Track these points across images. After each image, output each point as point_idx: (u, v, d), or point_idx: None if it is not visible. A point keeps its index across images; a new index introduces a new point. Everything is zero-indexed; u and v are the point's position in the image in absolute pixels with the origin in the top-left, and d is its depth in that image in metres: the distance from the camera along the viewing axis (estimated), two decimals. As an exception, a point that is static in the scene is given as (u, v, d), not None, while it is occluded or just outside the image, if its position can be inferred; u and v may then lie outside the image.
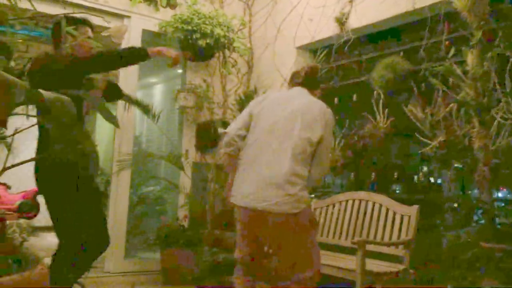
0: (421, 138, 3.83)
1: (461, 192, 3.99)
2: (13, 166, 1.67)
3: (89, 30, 3.02)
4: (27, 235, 5.48)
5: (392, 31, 4.50)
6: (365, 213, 4.19)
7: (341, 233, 4.33)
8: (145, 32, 5.37)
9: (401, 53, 4.22)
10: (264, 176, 2.39)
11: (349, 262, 3.77)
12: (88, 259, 2.85)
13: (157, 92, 7.31)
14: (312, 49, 5.28)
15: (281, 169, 2.39)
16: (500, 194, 4.18)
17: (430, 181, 4.45)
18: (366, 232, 4.10)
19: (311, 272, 2.48)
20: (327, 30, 4.88)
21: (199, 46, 5.09)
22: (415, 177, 4.55)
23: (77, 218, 2.87)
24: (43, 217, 8.78)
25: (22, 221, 5.73)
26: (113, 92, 3.15)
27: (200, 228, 4.95)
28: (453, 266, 2.71)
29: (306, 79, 2.84)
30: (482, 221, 3.72)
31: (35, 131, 2.59)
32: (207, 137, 5.31)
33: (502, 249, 2.69)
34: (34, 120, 1.78)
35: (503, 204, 4.07)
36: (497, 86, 3.22)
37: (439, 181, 4.55)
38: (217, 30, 5.10)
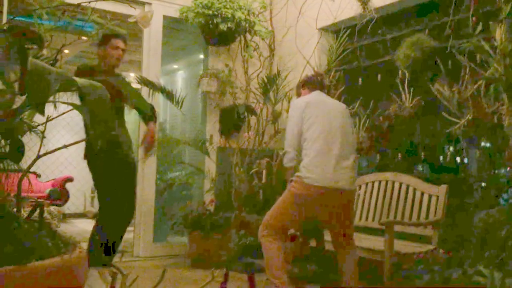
0: (448, 117, 3.77)
1: (490, 172, 3.92)
2: (45, 154, 1.71)
3: (121, 42, 3.71)
4: (58, 221, 5.62)
5: (417, 9, 4.40)
6: (392, 194, 4.17)
7: (368, 215, 4.32)
8: (166, 18, 5.38)
9: (427, 31, 4.13)
10: (344, 163, 3.13)
11: (377, 243, 3.77)
12: (118, 232, 3.64)
13: (179, 79, 7.34)
14: (334, 30, 5.22)
15: (349, 158, 3.18)
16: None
17: (457, 161, 4.39)
18: (393, 213, 4.08)
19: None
20: (349, 10, 4.80)
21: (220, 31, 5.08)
22: (441, 157, 4.49)
23: (112, 196, 3.64)
24: (72, 204, 9.00)
25: (53, 208, 5.87)
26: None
27: (226, 212, 4.99)
28: (485, 246, 2.68)
29: (321, 85, 3.52)
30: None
31: (62, 120, 2.68)
32: (231, 122, 5.32)
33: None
34: (64, 107, 1.81)
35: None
36: (528, 61, 3.13)
37: (466, 160, 4.49)
38: (238, 14, 5.08)
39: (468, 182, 4.02)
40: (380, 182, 4.32)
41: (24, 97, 1.29)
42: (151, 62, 5.29)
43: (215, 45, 5.48)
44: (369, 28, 4.72)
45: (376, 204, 4.27)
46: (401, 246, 3.65)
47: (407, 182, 4.10)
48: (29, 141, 1.93)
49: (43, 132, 1.56)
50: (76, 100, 1.63)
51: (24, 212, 1.59)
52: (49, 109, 1.84)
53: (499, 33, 3.34)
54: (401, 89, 4.22)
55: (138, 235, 5.25)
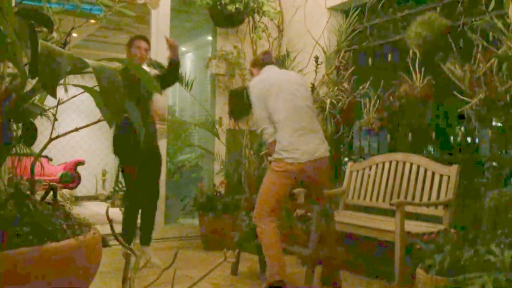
0: (460, 97, 3.73)
1: (502, 151, 3.89)
2: (57, 137, 1.72)
3: (142, 42, 4.08)
4: (71, 204, 5.68)
5: (428, -14, 4.33)
6: (402, 174, 4.16)
7: (378, 195, 4.31)
8: (174, 0, 5.34)
9: (438, 9, 4.07)
10: (314, 134, 3.37)
11: (388, 223, 3.77)
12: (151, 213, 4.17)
13: (188, 61, 7.32)
14: (344, 9, 5.16)
15: (317, 128, 3.44)
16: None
17: (467, 141, 4.35)
18: (404, 194, 4.07)
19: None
20: (359, -12, 4.74)
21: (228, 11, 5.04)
22: (451, 137, 4.45)
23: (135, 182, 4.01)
24: (84, 187, 9.09)
25: (65, 191, 5.94)
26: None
27: (237, 194, 5.01)
28: (497, 225, 2.67)
29: (270, 59, 3.68)
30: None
31: (73, 103, 2.69)
32: (240, 104, 5.31)
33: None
34: (75, 91, 1.81)
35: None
36: (542, 39, 3.08)
37: (477, 140, 4.45)
38: (246, -6, 5.03)
39: (479, 162, 3.99)
40: (390, 162, 4.30)
41: (35, 80, 1.30)
42: (159, 45, 5.27)
43: (223, 27, 5.44)
44: (379, 7, 4.66)
45: (386, 185, 4.26)
46: (412, 226, 3.65)
47: (418, 162, 4.08)
48: (40, 125, 1.94)
49: (54, 115, 1.57)
50: (87, 83, 1.63)
51: (37, 195, 1.61)
52: (59, 92, 1.85)
53: (512, 9, 3.28)
54: (411, 69, 4.17)
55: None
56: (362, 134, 5.03)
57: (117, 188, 6.10)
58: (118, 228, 4.20)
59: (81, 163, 8.43)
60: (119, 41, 8.25)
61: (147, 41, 4.17)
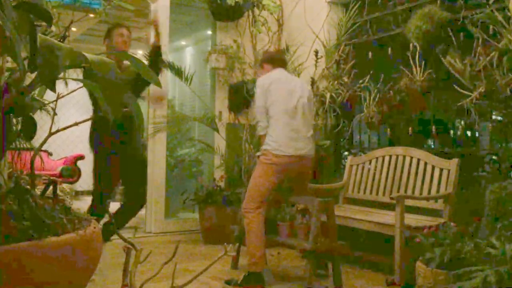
0: (460, 90, 3.73)
1: (502, 145, 3.89)
2: (57, 131, 1.72)
3: (124, 29, 3.88)
4: (71, 198, 5.68)
5: (428, -21, 4.31)
6: (402, 168, 4.16)
7: (378, 189, 4.32)
8: (173, -7, 5.33)
9: (438, 2, 4.05)
10: (303, 136, 3.64)
11: (388, 217, 3.78)
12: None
13: (188, 55, 7.30)
14: (344, 2, 5.14)
15: (309, 130, 3.71)
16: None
17: (467, 134, 4.34)
18: (404, 187, 4.08)
19: None
20: (359, -19, 4.72)
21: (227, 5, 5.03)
22: (451, 131, 4.44)
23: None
24: (84, 182, 9.09)
25: (65, 185, 5.94)
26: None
27: (237, 188, 5.01)
28: (497, 218, 2.68)
29: (284, 62, 3.94)
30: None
31: (72, 98, 2.68)
32: (240, 98, 5.30)
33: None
34: (75, 85, 1.81)
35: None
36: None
37: (477, 134, 4.45)
38: (246, -12, 5.01)
39: (479, 156, 3.99)
40: (391, 156, 4.30)
41: (34, 74, 1.29)
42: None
43: (223, 21, 5.42)
44: (379, 0, 4.64)
45: (387, 179, 4.26)
46: (412, 220, 3.66)
47: (418, 156, 4.08)
48: (40, 119, 1.94)
49: (54, 110, 1.56)
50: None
51: (37, 190, 1.60)
52: (59, 86, 1.84)
53: (512, 3, 3.26)
54: (412, 62, 4.16)
55: (150, 212, 5.30)
56: (362, 128, 5.03)
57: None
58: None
59: (81, 157, 8.43)
60: (119, 35, 8.21)
61: (128, 28, 3.98)
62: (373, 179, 4.39)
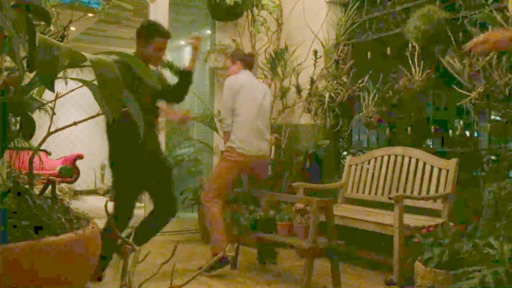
0: (459, 90, 3.73)
1: (501, 144, 3.89)
2: (56, 131, 1.72)
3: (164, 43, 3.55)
4: (70, 198, 5.68)
5: (427, -21, 4.31)
6: (401, 168, 4.16)
7: (377, 189, 4.32)
8: (172, -7, 5.32)
9: (437, 2, 4.05)
10: (262, 137, 4.07)
11: (387, 217, 3.78)
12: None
13: (186, 55, 7.29)
14: (343, 2, 5.14)
15: (267, 132, 4.17)
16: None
17: (466, 134, 4.35)
18: (403, 187, 4.08)
19: None
20: (358, -19, 4.72)
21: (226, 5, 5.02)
22: (450, 131, 4.45)
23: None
24: (83, 181, 9.08)
25: (63, 185, 5.93)
26: None
27: (236, 188, 5.01)
28: (496, 218, 2.68)
29: (252, 66, 4.27)
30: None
31: (71, 98, 2.69)
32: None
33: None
34: (73, 85, 1.81)
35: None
36: (541, 32, 3.06)
37: (476, 134, 4.45)
38: (245, -12, 5.00)
39: (478, 156, 3.99)
40: (389, 156, 4.30)
41: (33, 74, 1.29)
42: (158, 38, 5.24)
43: (222, 20, 5.42)
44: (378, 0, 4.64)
45: (386, 178, 4.26)
46: (411, 220, 3.66)
47: (417, 156, 4.08)
48: (38, 119, 1.93)
49: (53, 109, 1.56)
50: (85, 76, 1.62)
51: (36, 190, 1.60)
52: (58, 86, 1.84)
53: (511, 3, 3.27)
54: (411, 62, 4.16)
55: (148, 211, 5.29)
56: (361, 128, 5.03)
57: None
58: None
59: (80, 157, 8.42)
60: (118, 34, 8.22)
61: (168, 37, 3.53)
62: (372, 179, 4.40)
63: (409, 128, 4.42)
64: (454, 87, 3.74)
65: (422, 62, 4.11)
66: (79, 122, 1.75)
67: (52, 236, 1.21)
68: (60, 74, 1.56)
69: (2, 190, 1.36)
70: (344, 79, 4.90)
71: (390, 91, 4.43)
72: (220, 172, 4.04)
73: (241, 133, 3.96)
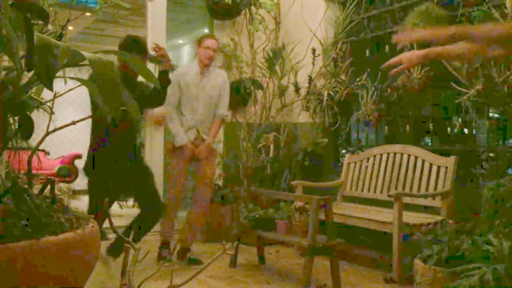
0: (458, 88, 3.73)
1: (499, 142, 3.90)
2: (54, 130, 1.71)
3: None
4: (68, 198, 5.67)
5: (425, -23, 4.30)
6: (400, 166, 4.16)
7: (376, 187, 4.32)
8: (170, -8, 5.31)
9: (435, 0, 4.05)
10: (202, 127, 4.15)
11: (386, 215, 3.78)
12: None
13: (185, 54, 7.29)
14: (341, 0, 5.13)
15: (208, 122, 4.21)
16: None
17: (464, 132, 4.35)
18: (402, 185, 4.08)
19: None
20: (356, -21, 4.71)
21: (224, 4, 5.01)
22: (448, 129, 4.46)
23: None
24: (82, 181, 9.06)
25: (62, 185, 5.92)
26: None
27: (235, 186, 5.01)
28: (494, 215, 2.68)
29: None
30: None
31: (69, 97, 2.69)
32: (238, 96, 5.29)
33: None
34: (72, 84, 1.80)
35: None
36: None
37: (475, 131, 4.46)
38: (243, -14, 5.00)
39: (477, 153, 4.00)
40: (388, 154, 4.31)
41: (31, 73, 1.28)
42: (156, 38, 5.24)
43: (220, 19, 5.41)
44: (376, -3, 4.64)
45: (384, 176, 4.27)
46: (410, 217, 3.66)
47: (416, 153, 4.08)
48: (37, 119, 1.93)
49: (51, 108, 1.56)
50: (83, 76, 1.62)
51: (35, 189, 1.60)
52: (56, 85, 1.84)
53: (510, 0, 3.27)
54: (409, 60, 4.15)
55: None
56: (360, 126, 5.03)
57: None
58: (116, 222, 4.19)
59: (78, 156, 8.41)
60: (115, 34, 8.21)
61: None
62: (371, 177, 4.40)
63: (407, 126, 4.42)
64: (453, 84, 3.74)
65: (420, 59, 4.10)
66: (78, 121, 1.75)
67: (52, 235, 1.20)
68: (59, 74, 1.55)
69: (1, 190, 1.35)
70: (343, 77, 4.89)
71: (388, 89, 4.42)
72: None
73: (185, 122, 4.14)
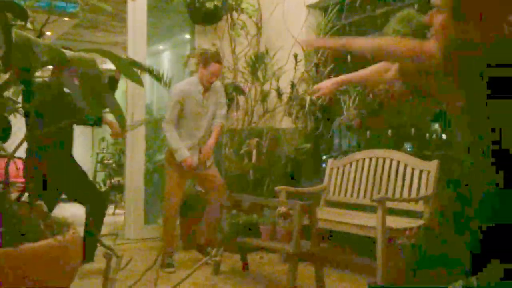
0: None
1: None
2: (33, 135, 1.66)
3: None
4: (47, 206, 5.55)
5: (406, -17, 4.35)
6: (383, 170, 4.17)
7: (359, 192, 4.32)
8: (151, -4, 5.27)
9: (416, 6, 4.09)
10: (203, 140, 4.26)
11: (369, 219, 3.78)
12: None
13: (166, 60, 7.22)
14: (323, 6, 5.15)
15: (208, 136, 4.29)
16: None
17: (443, 138, 4.40)
18: (385, 189, 4.09)
19: None
20: (338, -15, 4.74)
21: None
22: (427, 134, 4.49)
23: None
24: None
25: (40, 193, 5.79)
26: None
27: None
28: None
29: None
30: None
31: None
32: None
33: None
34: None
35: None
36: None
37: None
38: (225, -9, 4.98)
39: (457, 159, 4.02)
40: (371, 159, 4.32)
41: (8, 74, 1.24)
42: (136, 43, 5.20)
43: (202, 24, 5.39)
44: (357, 3, 4.67)
45: (367, 181, 4.27)
46: (393, 222, 3.66)
47: (398, 158, 4.10)
48: (13, 126, 1.87)
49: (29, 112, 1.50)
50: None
51: (13, 197, 1.54)
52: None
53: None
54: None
55: (129, 218, 5.21)
56: (343, 131, 5.04)
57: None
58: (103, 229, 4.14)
59: (57, 164, 8.25)
60: (95, 39, 8.11)
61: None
62: (354, 182, 4.40)
63: (390, 131, 4.43)
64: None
65: (401, 65, 4.13)
66: (58, 126, 1.70)
67: (31, 242, 1.15)
68: (38, 74, 1.50)
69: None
70: (325, 82, 4.89)
71: (371, 95, 4.44)
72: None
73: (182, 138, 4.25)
